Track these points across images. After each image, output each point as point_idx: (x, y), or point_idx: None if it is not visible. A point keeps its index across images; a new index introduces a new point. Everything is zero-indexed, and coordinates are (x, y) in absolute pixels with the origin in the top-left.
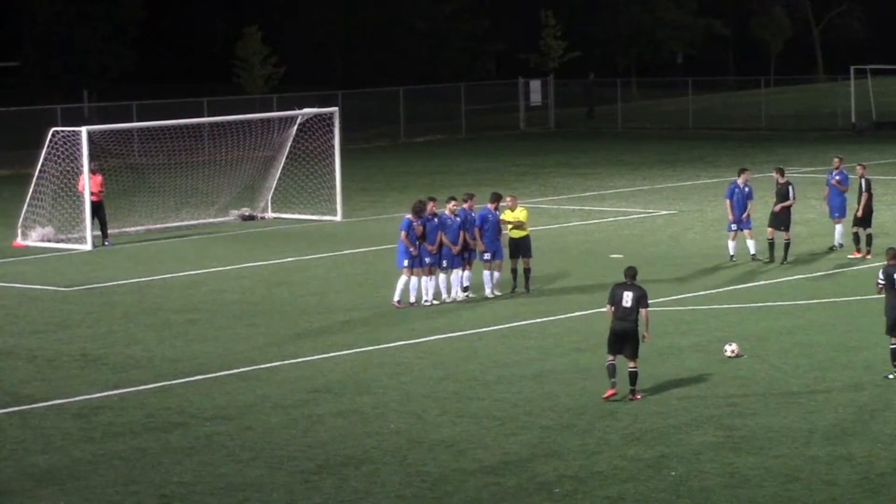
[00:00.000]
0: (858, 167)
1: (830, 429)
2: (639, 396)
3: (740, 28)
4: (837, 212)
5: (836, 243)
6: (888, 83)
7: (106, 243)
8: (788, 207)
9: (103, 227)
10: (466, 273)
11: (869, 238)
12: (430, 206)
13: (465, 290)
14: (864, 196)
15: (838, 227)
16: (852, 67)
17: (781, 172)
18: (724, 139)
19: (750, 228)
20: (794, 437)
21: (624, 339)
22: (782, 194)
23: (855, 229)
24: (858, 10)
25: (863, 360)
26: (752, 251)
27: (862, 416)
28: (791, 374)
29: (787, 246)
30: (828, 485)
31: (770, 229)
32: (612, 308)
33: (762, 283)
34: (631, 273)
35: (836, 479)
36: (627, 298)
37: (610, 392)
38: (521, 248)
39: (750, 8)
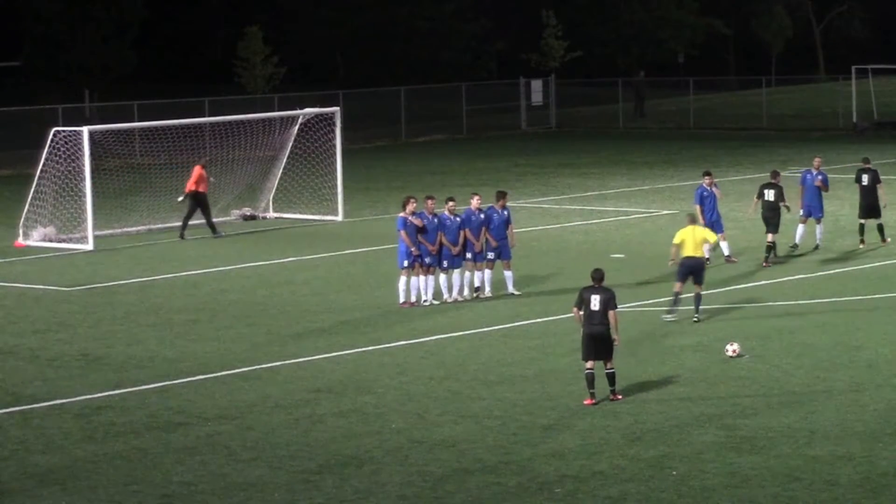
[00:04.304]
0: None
1: (832, 428)
2: (619, 397)
3: (741, 28)
4: (820, 211)
5: (817, 242)
6: (889, 83)
7: (184, 237)
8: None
9: (187, 221)
10: (478, 274)
11: (880, 228)
12: (429, 204)
13: (476, 290)
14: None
15: (819, 227)
16: (854, 67)
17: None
18: (726, 139)
19: (722, 231)
20: (796, 437)
21: (597, 342)
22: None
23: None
24: (860, 10)
25: (864, 360)
26: (727, 253)
27: (863, 416)
28: (792, 374)
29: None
30: (829, 485)
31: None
32: (580, 312)
33: (763, 282)
34: (598, 275)
35: (837, 479)
36: (595, 301)
37: (589, 402)
38: (695, 271)
39: (751, 8)
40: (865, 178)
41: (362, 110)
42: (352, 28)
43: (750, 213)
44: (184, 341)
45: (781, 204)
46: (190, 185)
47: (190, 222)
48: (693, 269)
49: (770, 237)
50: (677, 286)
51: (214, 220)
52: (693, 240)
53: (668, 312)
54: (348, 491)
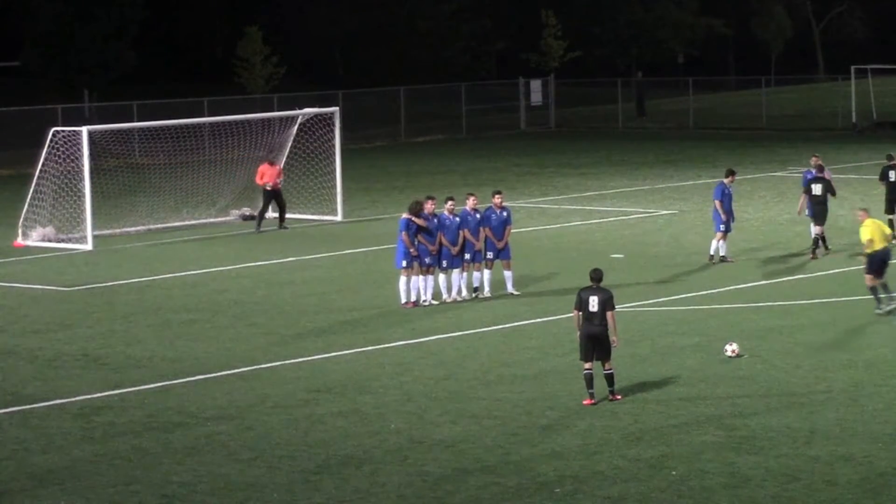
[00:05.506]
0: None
1: (831, 429)
2: (619, 397)
3: (741, 28)
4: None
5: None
6: (889, 83)
7: (284, 227)
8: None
9: (282, 212)
10: (477, 274)
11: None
12: (428, 205)
13: (475, 290)
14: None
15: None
16: (853, 67)
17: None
18: (725, 139)
19: (731, 230)
20: (795, 437)
21: (595, 343)
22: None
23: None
24: (859, 10)
25: (863, 360)
26: (723, 252)
27: (863, 416)
28: (791, 374)
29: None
30: (828, 485)
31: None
32: (580, 313)
33: (762, 283)
34: (597, 276)
35: (836, 479)
36: (593, 302)
37: (588, 402)
38: (885, 262)
39: (751, 8)
40: (893, 175)
41: (362, 110)
42: (352, 28)
43: (799, 209)
44: (183, 341)
45: (829, 195)
46: (273, 182)
47: (185, 221)
48: (884, 260)
49: (818, 229)
50: (870, 279)
51: (214, 220)
52: (881, 232)
53: (880, 306)
54: (347, 491)
